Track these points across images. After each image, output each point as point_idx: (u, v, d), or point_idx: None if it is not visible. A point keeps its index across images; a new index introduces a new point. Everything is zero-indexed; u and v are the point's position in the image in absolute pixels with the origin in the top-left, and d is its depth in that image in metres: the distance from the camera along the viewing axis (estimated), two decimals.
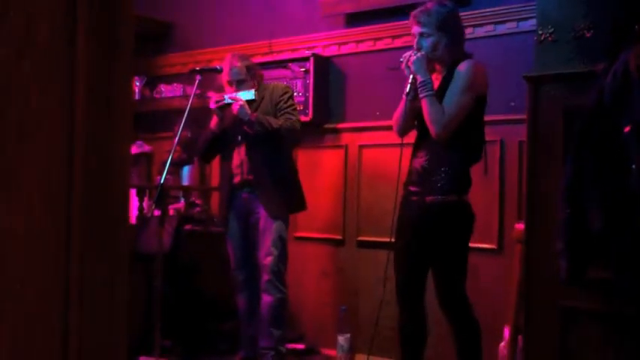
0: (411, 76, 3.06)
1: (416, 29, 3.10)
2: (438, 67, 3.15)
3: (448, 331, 3.19)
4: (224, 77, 3.86)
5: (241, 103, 3.68)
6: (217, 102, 3.74)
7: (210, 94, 3.94)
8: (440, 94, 3.02)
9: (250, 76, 3.84)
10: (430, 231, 3.04)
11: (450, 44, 3.08)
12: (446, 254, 3.07)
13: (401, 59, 3.12)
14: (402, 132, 3.23)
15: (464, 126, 3.00)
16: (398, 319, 3.20)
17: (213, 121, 3.86)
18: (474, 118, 3.05)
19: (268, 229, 3.73)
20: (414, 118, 3.16)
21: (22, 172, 0.74)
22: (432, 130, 2.98)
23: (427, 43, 3.07)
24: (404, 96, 3.11)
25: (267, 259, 3.72)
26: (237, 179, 3.82)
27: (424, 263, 3.12)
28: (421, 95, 3.01)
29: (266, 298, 3.73)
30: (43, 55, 0.77)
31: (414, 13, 3.11)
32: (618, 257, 2.20)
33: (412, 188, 3.11)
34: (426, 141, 3.08)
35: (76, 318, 0.78)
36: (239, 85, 3.80)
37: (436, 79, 3.11)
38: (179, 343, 4.15)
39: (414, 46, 3.10)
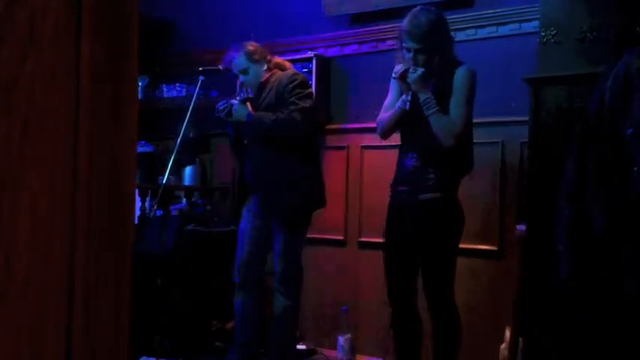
0: (410, 93, 3.05)
1: (410, 45, 3.03)
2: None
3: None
4: (230, 72, 3.77)
5: (235, 106, 3.54)
6: (221, 111, 3.59)
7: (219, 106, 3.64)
8: (436, 98, 3.03)
9: (253, 61, 3.63)
10: (422, 228, 3.06)
11: (444, 52, 3.08)
12: (436, 251, 3.09)
13: (394, 75, 3.11)
14: (387, 136, 3.29)
15: None
16: (391, 319, 3.23)
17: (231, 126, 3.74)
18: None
19: (277, 236, 3.60)
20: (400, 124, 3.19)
21: (27, 171, 0.75)
22: (444, 142, 2.99)
23: (424, 57, 3.04)
24: (403, 109, 3.09)
25: (276, 266, 3.61)
26: (249, 181, 3.68)
27: (416, 263, 3.14)
28: (427, 113, 3.01)
29: (275, 304, 3.68)
30: (47, 53, 0.77)
31: (406, 29, 3.04)
32: (624, 260, 2.19)
33: (402, 188, 3.13)
34: (415, 142, 3.12)
35: (80, 318, 0.79)
36: (244, 74, 3.64)
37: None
38: (180, 343, 4.15)
39: (411, 61, 3.05)
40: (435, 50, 3.03)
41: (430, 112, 3.01)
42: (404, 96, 3.10)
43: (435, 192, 3.04)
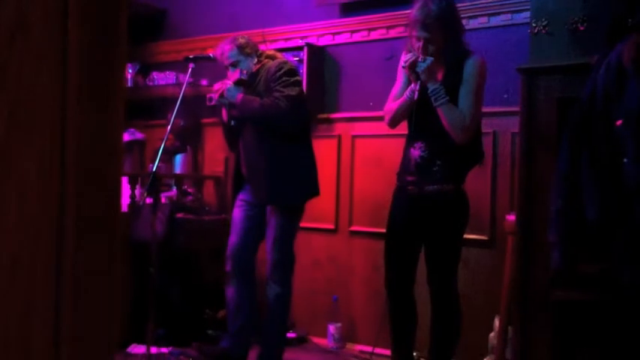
0: (419, 83, 3.01)
1: (421, 34, 2.99)
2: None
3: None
4: (222, 64, 3.77)
5: (228, 86, 3.53)
6: (215, 92, 3.59)
7: (215, 86, 3.66)
8: (445, 88, 3.00)
9: (245, 55, 3.65)
10: (428, 220, 3.05)
11: (454, 42, 3.03)
12: (443, 243, 3.08)
13: (403, 64, 3.06)
14: (395, 125, 3.24)
15: None
16: (387, 308, 3.22)
17: (223, 113, 3.71)
18: None
19: (270, 225, 3.58)
20: (408, 113, 3.15)
21: (15, 159, 0.74)
22: (455, 135, 2.96)
23: (434, 47, 3.00)
24: (412, 99, 3.05)
25: (269, 254, 3.60)
26: (243, 170, 3.68)
27: (418, 253, 3.14)
28: (436, 104, 2.97)
29: (267, 293, 3.66)
30: (35, 41, 0.76)
31: (415, 18, 2.99)
32: (616, 250, 2.20)
33: (409, 178, 3.11)
34: (422, 131, 3.08)
35: (68, 307, 0.78)
36: (234, 67, 3.64)
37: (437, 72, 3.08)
38: (172, 331, 4.14)
39: (420, 50, 3.00)
40: (445, 39, 3.00)
41: (439, 102, 2.97)
42: (412, 85, 3.05)
43: (441, 183, 3.01)
